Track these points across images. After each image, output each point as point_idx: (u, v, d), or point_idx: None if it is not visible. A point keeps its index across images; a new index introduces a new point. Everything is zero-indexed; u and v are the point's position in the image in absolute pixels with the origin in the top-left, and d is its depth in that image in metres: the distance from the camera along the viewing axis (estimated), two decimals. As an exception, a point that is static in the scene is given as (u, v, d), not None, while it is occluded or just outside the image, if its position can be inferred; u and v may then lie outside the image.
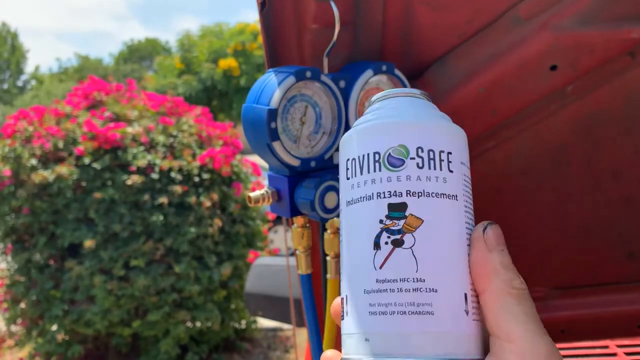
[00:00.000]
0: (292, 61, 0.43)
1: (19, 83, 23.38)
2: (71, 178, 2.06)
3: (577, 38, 0.41)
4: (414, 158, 0.25)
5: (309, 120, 0.39)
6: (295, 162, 0.38)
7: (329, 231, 0.44)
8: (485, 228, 0.25)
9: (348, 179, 0.26)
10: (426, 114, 0.26)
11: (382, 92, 0.29)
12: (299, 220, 0.41)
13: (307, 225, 0.41)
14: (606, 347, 0.67)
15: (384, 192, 0.25)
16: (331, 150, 0.40)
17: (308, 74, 0.38)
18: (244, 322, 2.51)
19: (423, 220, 0.24)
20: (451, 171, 0.25)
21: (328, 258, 0.44)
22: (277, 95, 0.36)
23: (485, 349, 0.24)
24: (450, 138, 0.25)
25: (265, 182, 0.42)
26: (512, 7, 0.42)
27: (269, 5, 0.39)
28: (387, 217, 0.24)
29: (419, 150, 0.25)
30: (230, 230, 2.28)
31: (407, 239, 0.24)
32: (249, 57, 7.61)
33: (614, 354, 0.66)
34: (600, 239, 0.51)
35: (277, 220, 3.16)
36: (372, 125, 0.26)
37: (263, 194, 0.40)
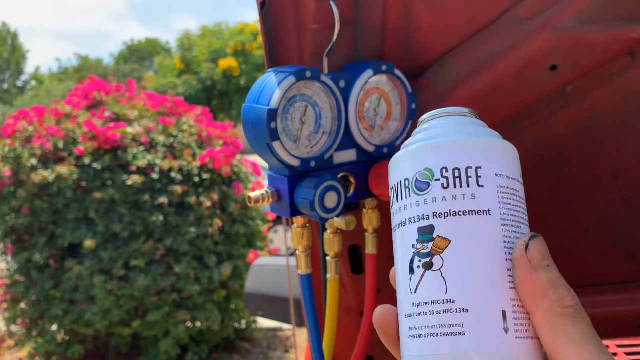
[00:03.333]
0: (292, 61, 0.43)
1: (19, 83, 23.38)
2: (71, 178, 2.06)
3: (577, 38, 0.41)
4: (438, 179, 0.25)
5: (309, 120, 0.39)
6: (295, 162, 0.38)
7: (328, 231, 0.44)
8: (527, 245, 0.23)
9: (391, 206, 0.27)
10: (455, 132, 0.26)
11: (425, 114, 0.29)
12: (299, 220, 0.41)
13: (307, 225, 0.41)
14: (606, 347, 0.67)
15: (413, 217, 0.25)
16: (331, 150, 0.40)
17: (308, 73, 0.38)
18: (244, 322, 2.51)
19: (450, 241, 0.24)
20: (481, 186, 0.24)
21: (328, 258, 0.44)
22: (277, 95, 0.36)
23: None
24: (480, 152, 0.25)
25: (265, 182, 0.42)
26: (512, 7, 0.42)
27: (269, 6, 0.39)
28: (418, 241, 0.25)
29: (444, 170, 0.25)
30: (230, 230, 2.28)
31: (436, 261, 0.24)
32: (248, 57, 7.61)
33: (614, 354, 0.66)
34: (600, 238, 0.51)
35: (277, 220, 3.16)
36: (403, 154, 0.27)
37: (263, 194, 0.40)
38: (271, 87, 0.37)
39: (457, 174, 0.25)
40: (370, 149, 0.42)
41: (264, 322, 2.67)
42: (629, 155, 0.48)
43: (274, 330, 2.77)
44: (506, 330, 0.23)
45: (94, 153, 2.14)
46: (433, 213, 0.25)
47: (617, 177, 0.49)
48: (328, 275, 0.44)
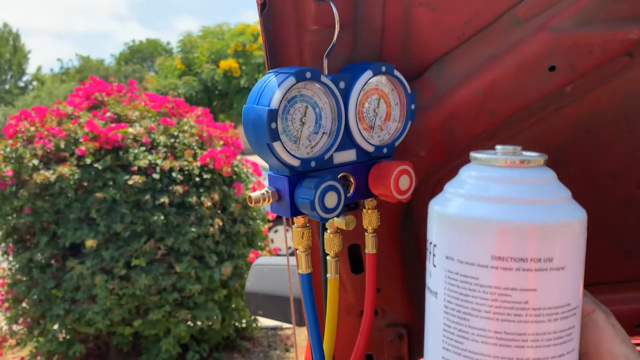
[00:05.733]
0: (292, 62, 0.43)
1: (21, 84, 23.42)
2: (73, 178, 2.06)
3: (575, 39, 0.41)
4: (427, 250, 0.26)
5: (309, 120, 0.40)
6: (295, 162, 0.39)
7: (329, 231, 0.44)
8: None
9: None
10: (453, 197, 0.25)
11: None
12: (299, 220, 0.41)
13: (307, 225, 0.42)
14: None
15: None
16: (331, 150, 0.41)
17: (308, 74, 0.38)
18: (244, 321, 2.52)
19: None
20: (434, 265, 0.24)
21: (328, 257, 0.45)
22: (277, 95, 0.37)
23: None
24: (438, 228, 0.24)
25: (266, 182, 0.42)
26: (511, 8, 0.42)
27: (269, 7, 0.40)
28: None
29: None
30: (230, 230, 2.29)
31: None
32: (249, 57, 7.61)
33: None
34: (599, 238, 0.51)
35: (278, 220, 3.16)
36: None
37: (263, 194, 0.40)
38: (271, 88, 0.37)
39: (427, 246, 0.25)
40: (370, 149, 0.43)
41: (265, 321, 2.67)
42: (628, 155, 0.48)
43: (274, 329, 2.78)
44: None
45: (95, 153, 2.15)
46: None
47: (616, 178, 0.49)
48: (328, 275, 0.44)
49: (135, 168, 2.11)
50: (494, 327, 0.23)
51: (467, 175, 0.27)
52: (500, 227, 0.23)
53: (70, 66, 26.06)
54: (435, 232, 0.24)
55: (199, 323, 2.25)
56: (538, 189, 0.25)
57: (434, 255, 0.24)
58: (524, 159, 0.26)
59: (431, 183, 0.50)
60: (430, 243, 0.24)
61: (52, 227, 2.12)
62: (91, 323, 2.10)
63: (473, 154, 0.28)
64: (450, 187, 0.27)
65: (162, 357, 2.18)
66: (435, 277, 0.24)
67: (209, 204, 2.15)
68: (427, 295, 0.24)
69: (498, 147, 0.28)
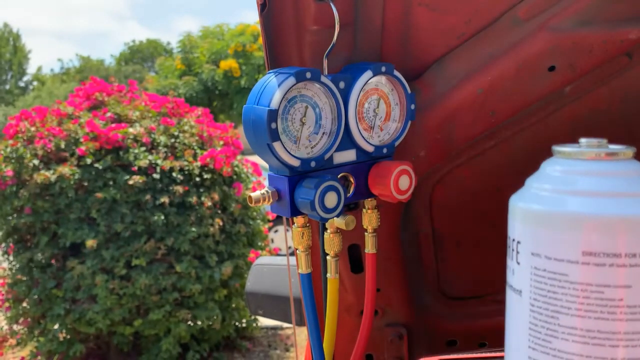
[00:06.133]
0: (292, 62, 0.43)
1: (21, 84, 23.43)
2: (73, 178, 2.07)
3: (575, 39, 0.41)
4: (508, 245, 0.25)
5: (309, 120, 0.40)
6: (296, 162, 0.39)
7: (329, 231, 0.44)
8: None
9: None
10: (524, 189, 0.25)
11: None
12: (299, 220, 0.41)
13: (307, 224, 0.42)
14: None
15: None
16: (331, 150, 0.41)
17: (308, 75, 0.38)
18: (244, 321, 2.52)
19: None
20: (518, 263, 0.23)
21: (328, 257, 0.45)
22: (277, 96, 0.37)
23: None
24: (522, 224, 0.23)
25: (266, 182, 0.42)
26: (511, 8, 0.42)
27: (269, 7, 0.40)
28: None
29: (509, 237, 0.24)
30: (231, 230, 2.29)
31: None
32: (249, 58, 7.61)
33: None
34: None
35: (278, 220, 3.16)
36: None
37: (263, 194, 0.40)
38: (271, 88, 0.37)
39: (509, 243, 0.23)
40: (370, 149, 0.43)
41: (265, 321, 2.68)
42: None
43: (275, 329, 2.78)
44: None
45: (95, 153, 2.15)
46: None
47: (615, 177, 0.49)
48: (328, 275, 0.45)
49: (136, 168, 2.11)
50: (585, 326, 0.22)
51: (552, 170, 0.26)
52: (589, 221, 0.22)
53: (70, 66, 26.08)
54: (519, 228, 0.23)
55: (199, 323, 2.25)
56: (627, 182, 0.24)
57: (517, 252, 0.23)
58: (611, 151, 0.26)
59: (431, 183, 0.51)
60: (513, 240, 0.23)
61: (52, 227, 2.12)
62: (91, 323, 2.10)
63: (556, 148, 0.27)
64: (534, 182, 0.26)
65: (162, 356, 2.19)
66: (520, 274, 0.23)
67: (209, 204, 2.16)
68: (509, 293, 0.23)
69: (582, 140, 0.27)
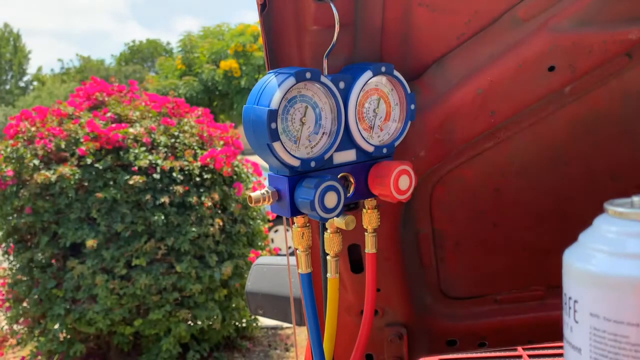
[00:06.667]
0: (292, 62, 0.43)
1: (21, 84, 23.43)
2: (73, 178, 2.07)
3: (575, 39, 0.41)
4: (565, 303, 0.24)
5: (309, 120, 0.40)
6: (296, 162, 0.39)
7: (329, 230, 0.44)
8: None
9: None
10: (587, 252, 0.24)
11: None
12: (299, 220, 0.41)
13: (307, 224, 0.42)
14: None
15: None
16: (331, 150, 0.41)
17: (308, 75, 0.38)
18: (244, 320, 2.52)
19: None
20: (576, 321, 0.23)
21: (328, 257, 0.45)
22: (277, 96, 0.37)
23: None
24: (579, 284, 0.23)
25: (266, 182, 0.42)
26: (510, 8, 0.42)
27: (269, 7, 0.40)
28: None
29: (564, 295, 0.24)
30: (231, 230, 2.29)
31: None
32: (249, 58, 7.62)
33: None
34: None
35: (278, 220, 3.16)
36: None
37: (263, 194, 0.40)
38: (271, 88, 0.37)
39: (565, 300, 0.23)
40: (370, 149, 0.43)
41: (265, 321, 2.68)
42: (627, 155, 0.48)
43: (275, 328, 2.78)
44: None
45: (95, 153, 2.15)
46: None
47: (615, 178, 0.49)
48: (328, 274, 0.45)
49: (136, 168, 2.12)
50: None
51: (607, 230, 0.26)
52: None
53: (70, 66, 26.08)
54: (575, 287, 0.23)
55: (199, 323, 2.25)
56: None
57: (575, 310, 0.23)
58: None
59: (431, 183, 0.51)
60: (570, 298, 0.23)
61: (52, 227, 2.12)
62: (92, 323, 2.10)
63: (609, 207, 0.27)
64: (588, 241, 0.26)
65: (162, 356, 2.19)
66: (578, 333, 0.23)
67: (209, 203, 2.16)
68: (568, 349, 0.23)
69: (635, 198, 0.27)
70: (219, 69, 7.69)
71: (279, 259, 0.86)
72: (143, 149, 2.19)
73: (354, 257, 0.53)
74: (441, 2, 0.42)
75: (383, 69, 0.42)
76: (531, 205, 0.51)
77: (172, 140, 2.29)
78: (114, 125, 2.21)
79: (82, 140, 2.16)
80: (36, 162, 2.12)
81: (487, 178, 0.50)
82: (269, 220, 2.60)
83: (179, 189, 2.12)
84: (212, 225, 2.17)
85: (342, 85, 0.41)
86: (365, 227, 0.45)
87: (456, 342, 0.59)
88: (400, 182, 0.42)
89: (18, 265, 2.20)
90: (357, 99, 0.41)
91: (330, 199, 0.39)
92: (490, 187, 0.50)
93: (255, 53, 7.72)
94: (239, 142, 2.49)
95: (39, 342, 2.22)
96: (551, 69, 0.43)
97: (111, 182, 2.12)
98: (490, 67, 0.43)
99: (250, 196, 0.40)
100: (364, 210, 0.45)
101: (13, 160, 2.14)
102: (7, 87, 22.71)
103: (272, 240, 3.43)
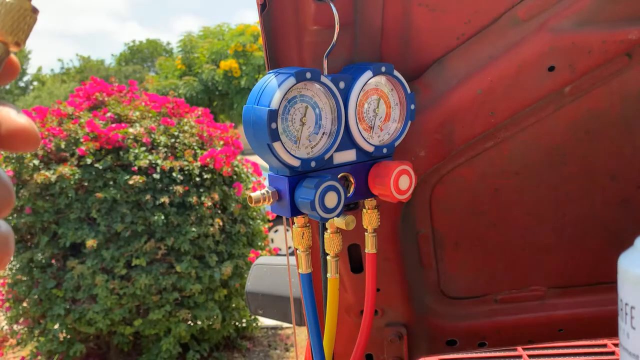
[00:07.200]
0: (292, 62, 0.43)
1: (21, 84, 23.43)
2: (73, 178, 2.07)
3: (574, 39, 0.41)
4: (621, 309, 0.24)
5: (309, 121, 0.40)
6: (296, 163, 0.39)
7: (329, 231, 0.44)
8: None
9: None
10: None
11: None
12: (299, 220, 0.41)
13: (308, 224, 0.42)
14: (604, 345, 0.68)
15: None
16: (331, 150, 0.41)
17: (308, 75, 0.38)
18: (244, 320, 2.52)
19: None
20: (633, 328, 0.23)
21: (328, 257, 0.45)
22: (277, 96, 0.37)
23: None
24: (637, 290, 0.23)
25: (266, 182, 0.42)
26: (510, 8, 0.42)
27: (269, 7, 0.40)
28: None
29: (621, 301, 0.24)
30: (231, 230, 2.29)
31: None
32: (249, 58, 7.62)
33: (612, 353, 0.66)
34: (598, 238, 0.52)
35: (278, 220, 3.16)
36: None
37: (264, 194, 0.40)
38: (272, 88, 0.37)
39: (621, 306, 0.23)
40: (370, 149, 0.43)
41: (265, 321, 2.68)
42: (627, 155, 0.48)
43: (275, 328, 2.78)
44: None
45: (95, 153, 2.15)
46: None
47: (614, 178, 0.49)
48: (328, 275, 0.45)
49: (136, 168, 2.12)
50: None
51: None
52: None
53: (70, 66, 26.07)
54: (633, 293, 0.23)
55: (199, 323, 2.25)
56: None
57: (632, 317, 0.23)
58: None
59: (431, 183, 0.51)
60: (627, 304, 0.23)
61: (52, 227, 2.12)
62: (92, 323, 2.10)
63: None
64: None
65: (162, 356, 2.19)
66: (636, 339, 0.23)
67: (209, 203, 2.16)
68: (624, 355, 0.23)
69: None
70: (219, 69, 7.69)
71: (279, 259, 0.86)
72: (143, 149, 2.19)
73: (354, 257, 0.53)
74: (441, 2, 0.42)
75: (383, 69, 0.42)
76: (531, 205, 0.51)
77: (172, 140, 2.29)
78: (114, 125, 2.21)
79: (82, 140, 2.16)
80: (36, 162, 2.12)
81: (487, 178, 0.50)
82: (269, 220, 2.60)
83: (179, 189, 2.12)
84: (212, 225, 2.17)
85: (342, 85, 0.41)
86: (365, 227, 0.45)
87: (456, 342, 0.59)
88: (400, 182, 0.42)
89: (18, 265, 2.20)
90: (357, 99, 0.41)
91: (331, 199, 0.39)
92: (490, 187, 0.50)
93: (255, 53, 7.72)
94: (239, 142, 2.49)
95: (39, 342, 2.22)
96: (551, 69, 0.43)
97: (111, 182, 2.12)
98: (490, 67, 0.43)
99: (250, 196, 0.40)
100: (364, 210, 0.45)
101: (13, 160, 2.14)
102: (7, 87, 22.69)
103: (272, 240, 3.43)
